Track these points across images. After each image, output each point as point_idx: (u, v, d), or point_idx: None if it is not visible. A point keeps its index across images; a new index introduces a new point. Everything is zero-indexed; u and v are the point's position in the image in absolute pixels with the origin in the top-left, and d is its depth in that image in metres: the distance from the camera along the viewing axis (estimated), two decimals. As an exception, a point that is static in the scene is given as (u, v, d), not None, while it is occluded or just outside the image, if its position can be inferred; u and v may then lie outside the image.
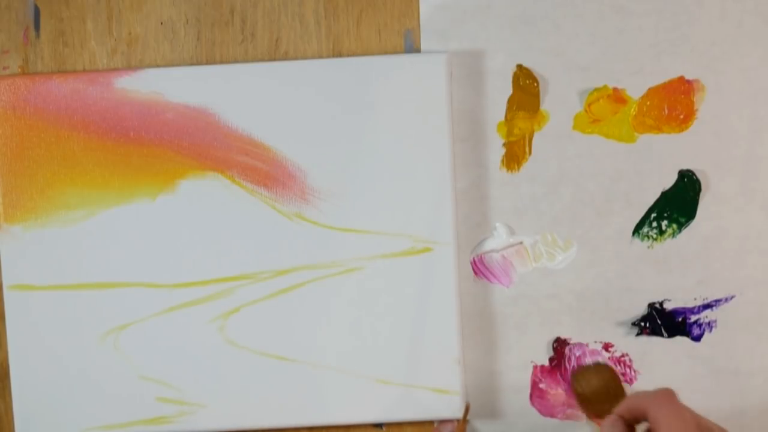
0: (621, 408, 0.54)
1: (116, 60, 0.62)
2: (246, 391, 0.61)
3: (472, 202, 0.62)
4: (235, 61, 0.62)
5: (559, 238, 0.62)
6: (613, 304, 0.62)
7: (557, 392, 0.62)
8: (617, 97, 0.61)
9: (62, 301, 0.60)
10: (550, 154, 0.61)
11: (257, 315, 0.60)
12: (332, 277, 0.60)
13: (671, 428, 0.50)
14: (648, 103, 0.61)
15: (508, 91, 0.61)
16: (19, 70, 0.62)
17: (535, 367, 0.62)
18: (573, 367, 0.61)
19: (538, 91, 0.61)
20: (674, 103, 0.61)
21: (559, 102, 0.61)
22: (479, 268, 0.62)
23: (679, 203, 0.61)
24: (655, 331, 0.61)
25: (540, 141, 0.61)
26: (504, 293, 0.62)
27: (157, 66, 0.62)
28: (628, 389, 0.61)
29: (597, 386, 0.60)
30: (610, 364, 0.61)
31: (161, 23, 0.62)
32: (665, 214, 0.61)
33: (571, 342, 0.62)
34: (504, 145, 0.62)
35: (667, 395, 0.51)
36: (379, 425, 0.62)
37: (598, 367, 0.61)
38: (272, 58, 0.62)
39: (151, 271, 0.61)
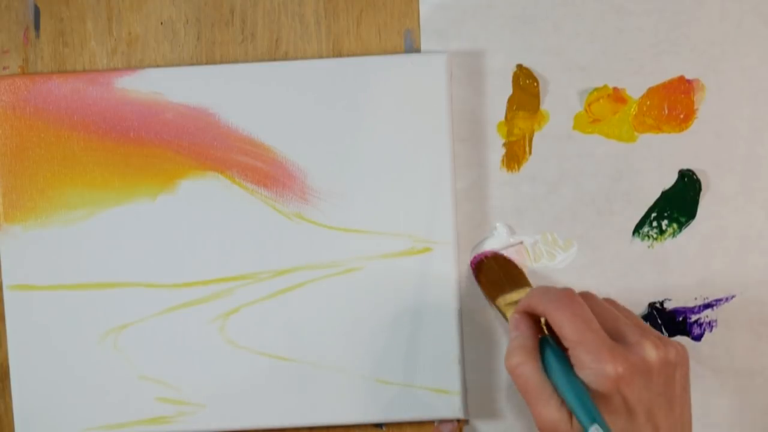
0: (522, 305, 0.54)
1: (116, 60, 0.62)
2: (246, 391, 0.60)
3: (472, 202, 0.61)
4: (235, 61, 0.62)
5: (560, 238, 0.62)
6: (613, 304, 0.62)
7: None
8: (617, 96, 0.61)
9: (62, 301, 0.60)
10: (550, 154, 0.61)
11: (257, 315, 0.60)
12: (332, 277, 0.60)
13: (576, 332, 0.50)
14: (648, 102, 0.61)
15: (508, 91, 0.61)
16: (19, 70, 0.62)
17: (535, 367, 0.62)
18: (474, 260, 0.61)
19: (538, 91, 0.61)
20: (674, 103, 0.61)
21: (559, 102, 0.61)
22: (479, 268, 0.62)
23: (679, 203, 0.61)
24: (655, 331, 0.61)
25: (540, 141, 0.61)
26: (504, 293, 0.62)
27: (157, 66, 0.62)
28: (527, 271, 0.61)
29: (497, 274, 0.60)
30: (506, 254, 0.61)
31: (161, 23, 0.62)
32: (665, 214, 0.61)
33: (571, 342, 0.62)
34: (504, 145, 0.62)
35: (566, 297, 0.51)
36: (379, 425, 0.62)
37: (496, 256, 0.61)
38: (272, 58, 0.62)
39: (152, 271, 0.61)
